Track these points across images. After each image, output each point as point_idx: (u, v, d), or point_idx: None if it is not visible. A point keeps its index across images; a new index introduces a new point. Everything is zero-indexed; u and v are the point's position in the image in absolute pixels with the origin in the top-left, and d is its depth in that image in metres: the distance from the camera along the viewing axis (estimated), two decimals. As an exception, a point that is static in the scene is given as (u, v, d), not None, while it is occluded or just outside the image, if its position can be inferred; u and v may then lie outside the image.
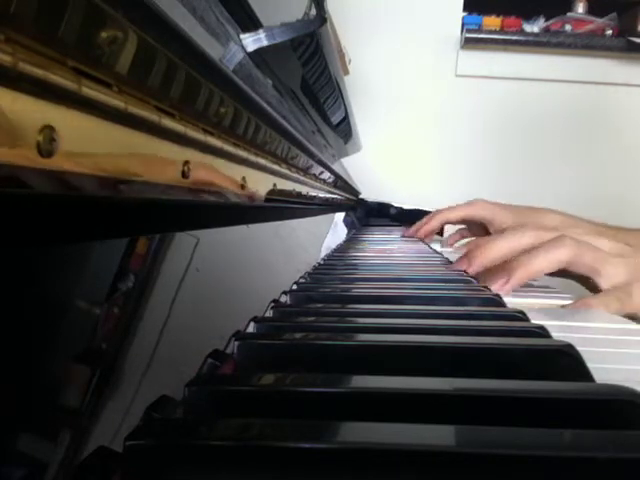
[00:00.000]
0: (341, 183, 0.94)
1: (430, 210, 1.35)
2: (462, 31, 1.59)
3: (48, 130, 0.12)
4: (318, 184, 0.66)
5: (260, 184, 0.35)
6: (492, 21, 1.58)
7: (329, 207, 0.93)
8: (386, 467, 0.15)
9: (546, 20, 1.60)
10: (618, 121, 1.64)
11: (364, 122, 1.38)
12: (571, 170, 1.65)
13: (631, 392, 0.19)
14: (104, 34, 0.13)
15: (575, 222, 0.70)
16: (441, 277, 0.53)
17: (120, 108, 0.15)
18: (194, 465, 0.16)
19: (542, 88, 1.63)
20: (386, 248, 0.83)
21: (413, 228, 0.98)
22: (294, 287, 0.44)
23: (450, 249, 0.96)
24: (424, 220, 0.95)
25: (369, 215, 1.52)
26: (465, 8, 1.60)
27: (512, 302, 0.40)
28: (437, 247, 0.91)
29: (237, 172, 0.29)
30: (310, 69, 0.52)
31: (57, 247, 0.15)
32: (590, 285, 0.52)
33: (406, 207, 1.51)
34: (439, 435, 0.16)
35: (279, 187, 0.41)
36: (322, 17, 0.46)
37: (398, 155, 1.67)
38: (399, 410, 0.19)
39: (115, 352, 0.18)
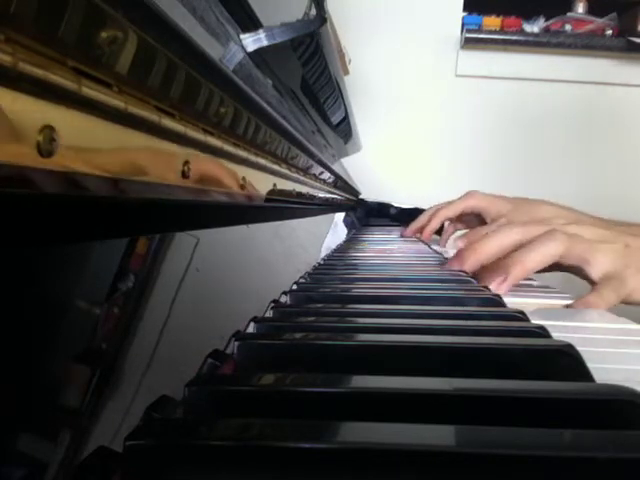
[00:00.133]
0: (341, 183, 0.94)
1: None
2: (462, 31, 1.59)
3: (48, 130, 0.12)
4: (318, 184, 0.66)
5: (260, 184, 0.35)
6: (492, 21, 1.58)
7: (329, 207, 0.93)
8: (386, 467, 0.15)
9: (546, 20, 1.60)
10: (618, 121, 1.64)
11: (364, 122, 1.38)
12: (571, 170, 1.65)
13: (631, 392, 0.19)
14: (104, 34, 0.13)
15: (568, 213, 0.70)
16: (441, 277, 0.53)
17: (120, 108, 0.15)
18: (194, 465, 0.16)
19: (542, 88, 1.63)
20: (386, 248, 0.83)
21: (412, 228, 0.97)
22: (294, 287, 0.44)
23: (449, 249, 0.96)
24: (423, 219, 0.94)
25: (369, 215, 1.52)
26: (465, 8, 1.60)
27: (512, 302, 0.40)
28: (436, 247, 0.91)
29: (237, 172, 0.29)
30: (310, 69, 0.52)
31: (57, 247, 0.15)
32: (582, 275, 0.52)
33: (406, 207, 1.51)
34: (439, 435, 0.16)
35: (279, 187, 0.41)
36: (322, 17, 0.46)
37: (398, 155, 1.67)
38: (399, 410, 0.19)
39: (115, 352, 0.18)
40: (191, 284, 0.25)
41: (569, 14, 1.60)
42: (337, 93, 0.70)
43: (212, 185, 0.25)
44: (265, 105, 0.32)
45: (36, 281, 0.15)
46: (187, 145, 0.21)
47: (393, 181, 1.65)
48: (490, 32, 1.58)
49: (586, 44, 1.56)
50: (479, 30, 1.58)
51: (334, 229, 1.00)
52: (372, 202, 1.51)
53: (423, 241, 0.96)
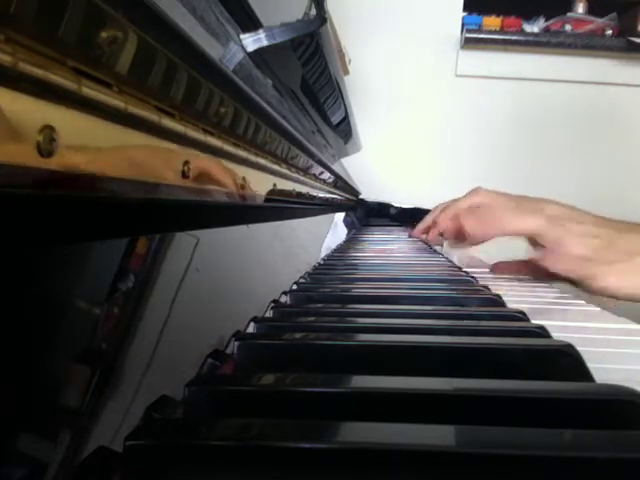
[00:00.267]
0: (341, 183, 0.94)
1: (430, 210, 1.35)
2: (462, 31, 1.59)
3: (48, 130, 0.12)
4: (318, 184, 0.66)
5: (260, 184, 0.35)
6: (492, 21, 1.58)
7: (329, 207, 0.93)
8: (386, 467, 0.15)
9: (546, 20, 1.60)
10: (618, 121, 1.64)
11: (364, 122, 1.38)
12: (570, 170, 1.65)
13: (631, 392, 0.19)
14: (104, 34, 0.13)
15: (571, 211, 0.70)
16: (441, 277, 0.53)
17: (120, 108, 0.15)
18: (194, 465, 0.16)
19: (542, 88, 1.63)
20: (386, 248, 0.83)
21: (418, 228, 0.95)
22: (294, 287, 0.44)
23: (451, 249, 0.95)
24: (429, 220, 0.92)
25: (369, 215, 1.52)
26: (465, 8, 1.60)
27: (512, 301, 0.40)
28: (437, 247, 0.90)
29: (237, 172, 0.29)
30: (310, 69, 0.52)
31: (57, 247, 0.15)
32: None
33: (406, 207, 1.51)
34: (439, 435, 0.16)
35: (279, 187, 0.41)
36: (322, 17, 0.46)
37: (398, 155, 1.67)
38: (399, 410, 0.19)
39: (115, 352, 0.18)
40: (191, 284, 0.25)
41: (569, 14, 1.60)
42: (337, 93, 0.70)
43: (212, 185, 0.25)
44: (265, 105, 0.32)
45: (36, 281, 0.15)
46: (187, 145, 0.21)
47: (393, 181, 1.65)
48: (490, 32, 1.58)
49: (586, 44, 1.56)
50: (479, 30, 1.58)
51: (334, 229, 1.00)
52: (372, 202, 1.51)
53: (423, 241, 0.95)
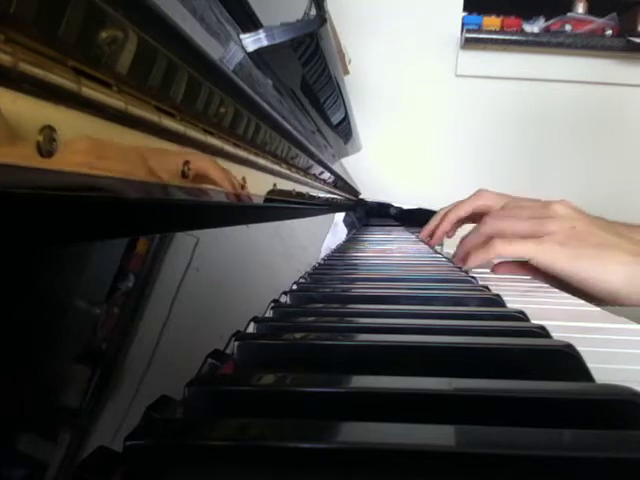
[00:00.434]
0: (341, 183, 0.94)
1: (430, 209, 1.35)
2: (462, 31, 1.59)
3: (48, 130, 0.12)
4: (318, 184, 0.66)
5: (260, 184, 0.35)
6: (492, 21, 1.58)
7: (329, 207, 0.93)
8: (386, 467, 0.15)
9: (546, 20, 1.60)
10: (618, 121, 1.65)
11: (364, 122, 1.38)
12: (570, 170, 1.65)
13: (631, 392, 0.19)
14: (104, 34, 0.14)
15: (577, 214, 0.70)
16: (441, 277, 0.53)
17: (120, 108, 0.15)
18: (194, 465, 0.16)
19: (542, 88, 1.64)
20: (386, 248, 0.83)
21: (424, 232, 0.95)
22: (294, 287, 0.44)
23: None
24: (433, 223, 0.92)
25: (369, 215, 1.52)
26: (465, 8, 1.60)
27: (511, 301, 0.40)
28: (437, 247, 0.90)
29: (237, 172, 0.29)
30: (310, 69, 0.52)
31: (57, 247, 0.15)
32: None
33: (406, 207, 1.51)
34: (439, 435, 0.16)
35: (279, 187, 0.41)
36: (322, 17, 0.46)
37: (398, 155, 1.67)
38: (399, 410, 0.19)
39: (115, 352, 0.18)
40: (191, 284, 0.25)
41: (569, 14, 1.60)
42: (337, 93, 0.70)
43: (212, 185, 0.25)
44: (265, 105, 0.32)
45: (36, 281, 0.15)
46: (187, 145, 0.21)
47: (393, 181, 1.65)
48: (490, 32, 1.58)
49: (586, 44, 1.56)
50: (479, 30, 1.58)
51: (334, 229, 1.00)
52: (372, 202, 1.51)
53: (423, 241, 0.95)
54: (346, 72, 1.18)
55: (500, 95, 1.65)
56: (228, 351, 0.25)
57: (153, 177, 0.19)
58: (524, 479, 0.15)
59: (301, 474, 0.15)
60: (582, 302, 0.49)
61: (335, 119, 0.81)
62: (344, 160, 1.20)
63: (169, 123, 0.19)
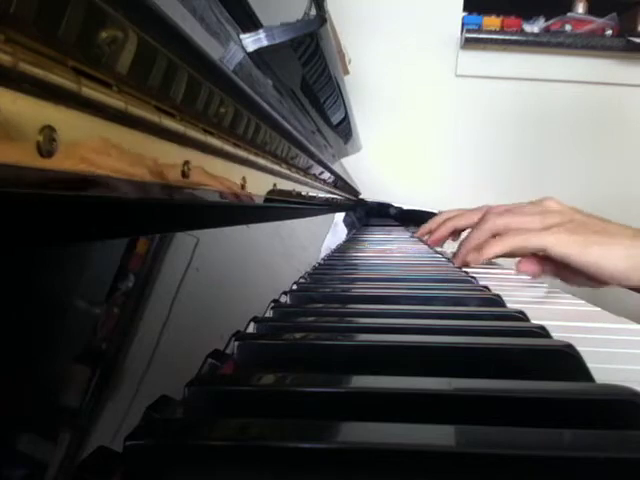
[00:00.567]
0: (341, 183, 0.94)
1: (430, 210, 1.35)
2: (462, 31, 1.59)
3: (48, 130, 0.12)
4: (318, 184, 0.66)
5: (260, 184, 0.35)
6: (492, 21, 1.58)
7: (329, 207, 0.93)
8: (386, 467, 0.15)
9: (546, 20, 1.60)
10: (618, 121, 1.65)
11: (364, 122, 1.38)
12: (570, 170, 1.65)
13: (631, 392, 0.19)
14: (104, 34, 0.14)
15: (570, 208, 0.72)
16: (441, 277, 0.53)
17: (120, 108, 0.15)
18: (194, 465, 0.16)
19: (542, 88, 1.64)
20: (386, 248, 0.83)
21: (420, 231, 0.95)
22: (294, 287, 0.44)
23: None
24: (432, 225, 0.91)
25: (369, 215, 1.52)
26: (465, 8, 1.60)
27: (512, 301, 0.40)
28: (437, 247, 0.90)
29: (237, 172, 0.29)
30: (310, 69, 0.52)
31: (57, 247, 0.15)
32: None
33: (406, 207, 1.51)
34: (439, 435, 0.16)
35: (279, 187, 0.41)
36: (322, 17, 0.46)
37: (398, 155, 1.67)
38: (399, 410, 0.19)
39: (115, 352, 0.18)
40: (191, 284, 0.25)
41: (569, 14, 1.60)
42: (337, 93, 0.70)
43: (212, 185, 0.25)
44: (265, 105, 0.32)
45: (36, 281, 0.15)
46: (187, 145, 0.21)
47: (393, 181, 1.65)
48: (490, 32, 1.58)
49: (586, 44, 1.56)
50: (479, 30, 1.58)
51: (334, 229, 1.00)
52: (372, 202, 1.51)
53: (423, 241, 0.95)
54: (346, 72, 1.18)
55: (500, 95, 1.65)
56: (228, 351, 0.25)
57: (153, 177, 0.19)
58: (524, 479, 0.15)
59: (301, 474, 0.15)
60: (582, 302, 0.49)
61: (335, 119, 0.81)
62: (344, 160, 1.20)
63: (169, 123, 0.19)
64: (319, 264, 0.60)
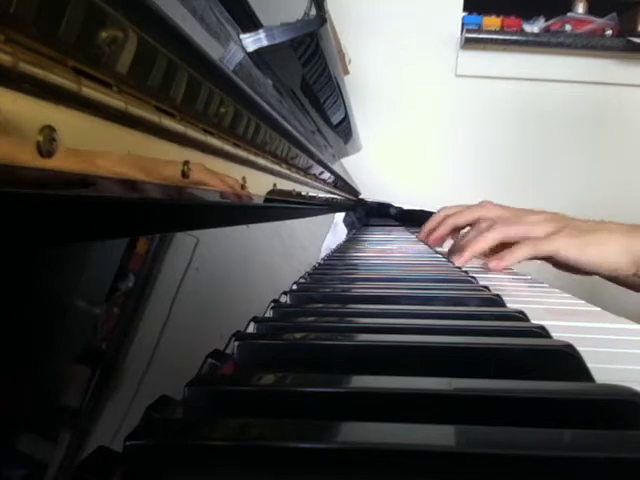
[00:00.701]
0: (341, 183, 0.94)
1: (431, 210, 1.35)
2: (462, 31, 1.59)
3: (48, 130, 0.12)
4: (318, 184, 0.66)
5: (260, 184, 0.36)
6: (492, 21, 1.58)
7: (329, 207, 0.93)
8: (386, 467, 0.15)
9: (546, 20, 1.60)
10: (618, 121, 1.65)
11: (364, 122, 1.38)
12: (571, 169, 1.65)
13: (631, 392, 0.19)
14: (104, 34, 0.14)
15: (552, 213, 0.76)
16: (441, 277, 0.53)
17: (120, 108, 0.15)
18: (194, 465, 0.16)
19: (542, 88, 1.63)
20: (386, 248, 0.83)
21: (424, 231, 0.95)
22: (294, 287, 0.44)
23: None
24: (432, 224, 0.92)
25: (369, 215, 1.52)
26: (465, 8, 1.60)
27: (512, 301, 0.40)
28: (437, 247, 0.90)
29: (237, 172, 0.29)
30: (310, 69, 0.52)
31: (57, 247, 0.15)
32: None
33: (406, 207, 1.51)
34: (439, 435, 0.16)
35: (279, 187, 0.41)
36: (322, 17, 0.46)
37: (398, 155, 1.67)
38: (399, 410, 0.19)
39: (115, 352, 0.18)
40: (191, 284, 0.25)
41: (569, 14, 1.60)
42: (337, 93, 0.70)
43: (212, 185, 0.25)
44: (265, 105, 0.32)
45: (36, 281, 0.15)
46: (187, 145, 0.21)
47: (393, 181, 1.65)
48: (490, 32, 1.58)
49: (586, 44, 1.56)
50: (479, 30, 1.58)
51: (334, 229, 1.00)
52: (372, 202, 1.51)
53: (423, 241, 0.95)
54: (346, 72, 1.18)
55: (500, 95, 1.65)
56: (228, 351, 0.25)
57: (153, 177, 0.19)
58: (524, 479, 0.15)
59: (301, 474, 0.15)
60: (582, 302, 0.49)
61: (335, 119, 0.81)
62: (344, 160, 1.20)
63: (169, 123, 0.19)
64: (319, 264, 0.60)
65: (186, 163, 0.21)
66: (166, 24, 0.17)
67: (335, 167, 0.82)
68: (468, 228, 0.84)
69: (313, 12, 0.48)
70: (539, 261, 0.68)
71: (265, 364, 0.26)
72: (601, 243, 0.63)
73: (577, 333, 0.33)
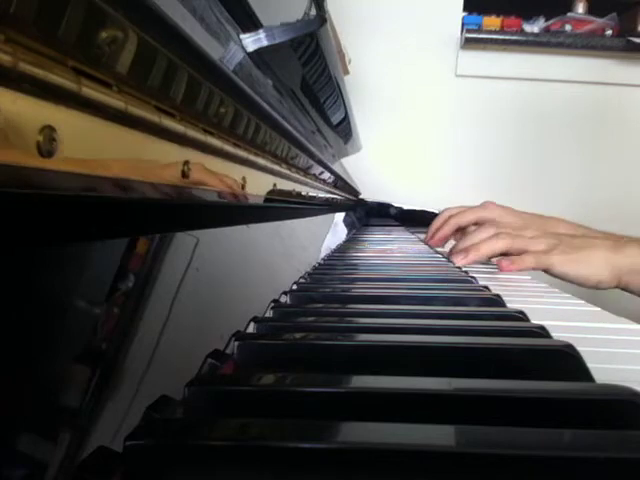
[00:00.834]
0: (341, 183, 0.94)
1: (431, 210, 1.35)
2: (462, 31, 1.58)
3: (48, 130, 0.12)
4: (318, 184, 0.66)
5: (260, 184, 0.36)
6: (492, 21, 1.58)
7: (329, 207, 0.93)
8: (386, 467, 0.15)
9: (546, 20, 1.60)
10: (618, 121, 1.64)
11: (364, 122, 1.38)
12: (571, 170, 1.65)
13: (631, 392, 0.19)
14: (104, 34, 0.14)
15: (583, 231, 0.78)
16: (441, 277, 0.53)
17: (120, 108, 0.15)
18: (194, 465, 0.16)
19: (542, 88, 1.63)
20: (386, 248, 0.83)
21: (430, 232, 0.95)
22: (294, 287, 0.44)
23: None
24: (437, 224, 0.92)
25: (369, 215, 1.52)
26: (465, 8, 1.60)
27: (512, 301, 0.40)
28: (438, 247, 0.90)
29: (237, 172, 0.29)
30: (310, 69, 0.52)
31: (57, 247, 0.15)
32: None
33: (406, 207, 1.51)
34: (439, 435, 0.16)
35: (279, 187, 0.41)
36: (322, 17, 0.46)
37: (398, 155, 1.67)
38: (399, 410, 0.19)
39: (115, 352, 0.18)
40: (191, 284, 0.25)
41: (569, 14, 1.60)
42: (337, 93, 0.70)
43: (212, 185, 0.25)
44: (265, 105, 0.32)
45: (36, 281, 0.15)
46: (187, 145, 0.21)
47: (393, 181, 1.65)
48: (490, 32, 1.58)
49: (586, 44, 1.56)
50: (479, 30, 1.58)
51: (334, 229, 1.00)
52: (372, 202, 1.51)
53: (424, 241, 0.95)
54: (346, 72, 1.18)
55: (500, 95, 1.65)
56: (228, 351, 0.25)
57: (153, 177, 0.19)
58: (524, 479, 0.15)
59: (301, 474, 0.15)
60: (582, 302, 0.49)
61: (335, 119, 0.81)
62: (344, 160, 1.19)
63: (169, 123, 0.19)
64: (319, 264, 0.60)
65: (186, 163, 0.21)
66: (166, 24, 0.17)
67: (335, 167, 0.82)
68: (472, 227, 0.85)
69: (313, 12, 0.48)
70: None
71: (265, 364, 0.26)
72: (589, 260, 0.69)
73: (577, 333, 0.33)
